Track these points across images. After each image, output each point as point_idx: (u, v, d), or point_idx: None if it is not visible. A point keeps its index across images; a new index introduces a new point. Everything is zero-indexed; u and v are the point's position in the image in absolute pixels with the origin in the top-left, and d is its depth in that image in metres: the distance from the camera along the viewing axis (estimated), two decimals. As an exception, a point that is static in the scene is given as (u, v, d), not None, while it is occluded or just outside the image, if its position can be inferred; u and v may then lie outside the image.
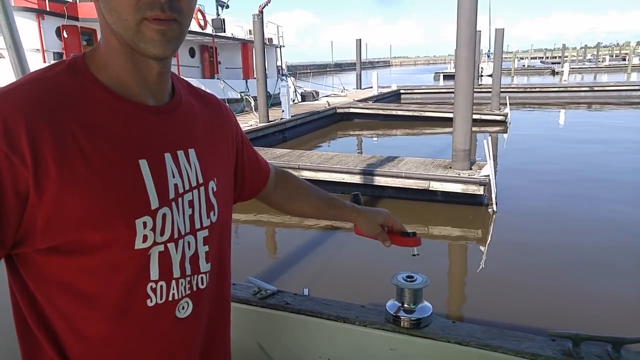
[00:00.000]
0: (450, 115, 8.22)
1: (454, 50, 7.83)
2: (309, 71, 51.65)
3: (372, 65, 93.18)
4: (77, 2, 13.02)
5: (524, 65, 56.04)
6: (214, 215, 0.84)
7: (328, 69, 73.02)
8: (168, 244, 0.74)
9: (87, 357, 0.73)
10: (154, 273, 0.73)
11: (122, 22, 0.69)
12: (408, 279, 1.19)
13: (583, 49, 77.85)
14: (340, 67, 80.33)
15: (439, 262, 5.50)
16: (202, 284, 0.81)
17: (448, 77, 35.86)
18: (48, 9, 12.05)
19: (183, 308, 0.78)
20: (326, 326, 1.22)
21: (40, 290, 0.71)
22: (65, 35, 12.53)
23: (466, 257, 5.86)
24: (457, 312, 4.37)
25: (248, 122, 12.40)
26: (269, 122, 12.29)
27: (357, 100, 17.80)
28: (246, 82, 16.84)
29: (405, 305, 1.18)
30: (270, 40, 19.30)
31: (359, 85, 24.99)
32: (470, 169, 6.96)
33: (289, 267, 5.27)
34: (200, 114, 0.87)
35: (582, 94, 21.89)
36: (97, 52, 0.75)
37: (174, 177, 0.76)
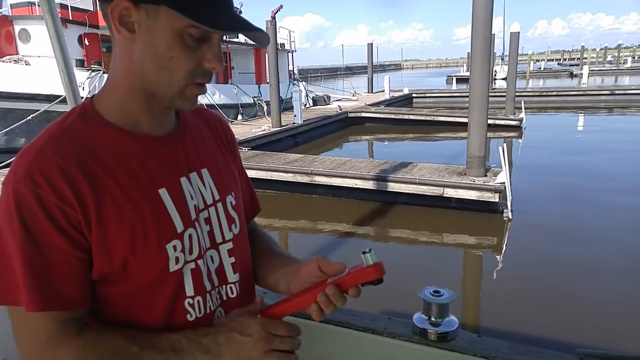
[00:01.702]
0: (464, 119, 8.16)
1: (466, 52, 7.76)
2: (320, 75, 51.75)
3: (384, 68, 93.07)
4: (98, 10, 13.21)
5: (540, 68, 55.34)
6: (236, 227, 0.89)
7: (339, 73, 73.06)
8: (198, 261, 0.80)
9: None
10: (190, 289, 0.79)
11: (170, 81, 0.73)
12: (435, 294, 1.21)
13: (603, 51, 75.38)
14: (351, 71, 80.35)
15: (452, 270, 5.44)
16: (232, 293, 0.88)
17: (461, 80, 35.64)
18: (71, 18, 12.27)
19: (218, 318, 0.84)
20: (354, 336, 1.25)
21: (96, 315, 0.77)
22: (87, 43, 12.74)
23: (481, 266, 5.78)
24: (473, 320, 4.30)
25: (261, 126, 12.43)
26: (281, 126, 12.31)
27: (369, 105, 17.75)
28: (259, 87, 16.89)
29: (432, 319, 1.20)
30: (283, 45, 19.36)
31: (370, 89, 24.93)
32: (485, 175, 6.88)
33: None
34: (206, 133, 0.91)
35: (603, 97, 21.26)
36: (107, 95, 0.79)
37: (192, 198, 0.81)
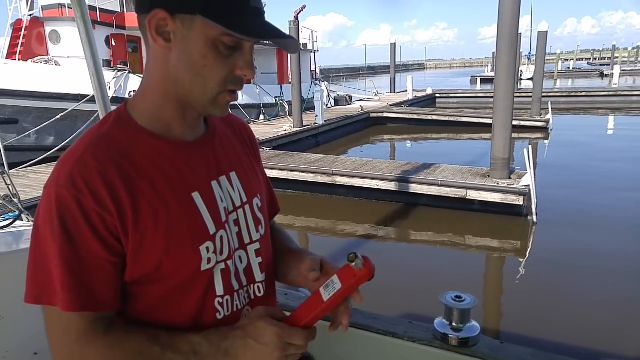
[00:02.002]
0: (488, 120, 8.03)
1: (491, 52, 7.64)
2: (342, 74, 51.68)
3: (407, 68, 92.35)
4: (125, 12, 13.51)
5: (568, 68, 53.94)
6: (262, 228, 0.92)
7: (361, 73, 72.81)
8: (227, 262, 0.83)
9: None
10: (219, 289, 0.82)
11: (204, 89, 0.76)
12: (457, 299, 1.20)
13: (635, 50, 73.26)
14: (374, 71, 79.98)
15: (475, 274, 5.36)
16: (260, 292, 0.90)
17: (485, 80, 35.08)
18: (99, 19, 12.57)
19: (245, 316, 0.85)
20: (375, 340, 1.25)
21: (126, 313, 0.80)
22: (114, 44, 13.02)
23: (504, 270, 5.68)
24: (495, 326, 4.23)
25: (282, 126, 12.48)
26: (302, 127, 12.34)
27: (391, 105, 17.64)
28: (281, 87, 16.97)
29: (454, 324, 1.19)
30: (305, 45, 19.40)
31: (393, 89, 24.78)
32: (510, 178, 6.75)
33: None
34: (233, 138, 0.95)
35: (635, 98, 20.53)
36: (140, 101, 0.81)
37: (222, 201, 0.84)
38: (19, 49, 11.98)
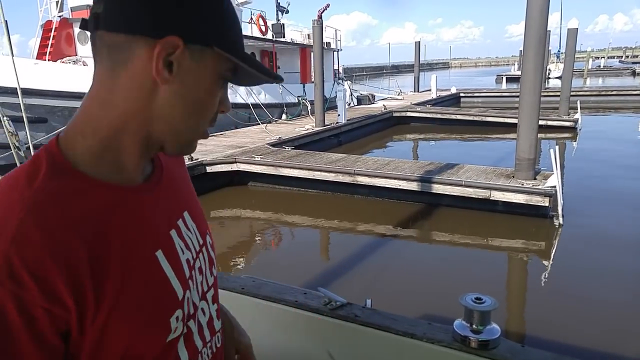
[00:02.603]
0: (514, 120, 7.85)
1: (518, 50, 7.46)
2: (365, 73, 51.46)
3: (431, 67, 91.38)
4: None
5: (599, 66, 52.41)
6: (214, 269, 0.81)
7: (384, 71, 72.37)
8: (188, 322, 0.70)
9: None
10: (184, 356, 0.69)
11: (197, 127, 0.65)
12: (477, 301, 1.18)
13: (670, 47, 70.71)
14: (397, 69, 79.40)
15: (497, 276, 5.25)
16: (219, 342, 0.80)
17: (511, 79, 34.38)
18: None
19: None
20: (394, 340, 1.25)
21: None
22: None
23: (527, 272, 5.55)
24: (516, 329, 4.12)
25: (304, 126, 12.50)
26: (324, 126, 12.32)
27: (415, 104, 17.46)
28: (303, 87, 16.99)
29: (474, 326, 1.17)
30: (328, 44, 19.38)
31: (416, 88, 24.54)
32: (535, 178, 6.59)
33: (343, 274, 5.22)
34: (175, 166, 0.79)
35: (669, 97, 19.69)
36: (83, 138, 0.62)
37: (183, 252, 0.70)
38: (48, 49, 12.30)
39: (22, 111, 3.12)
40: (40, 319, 0.52)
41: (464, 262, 5.59)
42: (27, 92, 8.89)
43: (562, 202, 6.23)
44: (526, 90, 6.73)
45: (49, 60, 11.96)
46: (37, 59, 11.94)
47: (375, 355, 1.29)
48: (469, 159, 8.60)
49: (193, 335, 0.71)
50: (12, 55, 3.60)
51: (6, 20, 3.37)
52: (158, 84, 0.60)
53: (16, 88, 3.26)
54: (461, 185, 6.71)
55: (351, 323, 1.30)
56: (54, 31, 12.46)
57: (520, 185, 6.39)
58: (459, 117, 15.63)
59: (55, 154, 0.60)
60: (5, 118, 3.51)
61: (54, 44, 12.38)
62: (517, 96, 7.35)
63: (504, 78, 36.06)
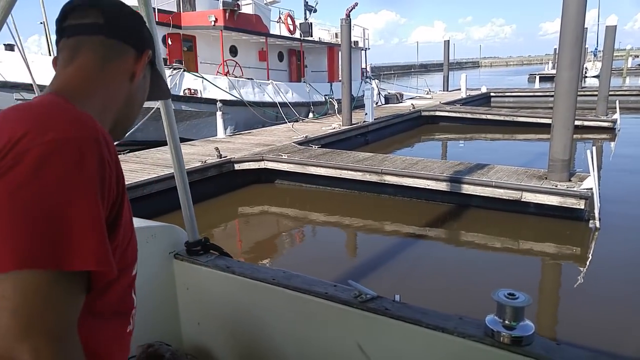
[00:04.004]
0: (547, 121, 7.63)
1: (553, 49, 7.23)
2: (393, 72, 51.01)
3: (460, 66, 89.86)
4: (181, 12, 13.96)
5: (639, 65, 50.45)
6: None
7: (413, 70, 71.59)
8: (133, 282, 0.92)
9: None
10: (131, 302, 0.88)
11: (135, 117, 0.94)
12: (510, 296, 1.16)
13: None
14: (426, 68, 78.42)
15: (528, 279, 5.09)
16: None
17: (545, 79, 33.47)
18: (157, 19, 13.08)
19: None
20: (424, 334, 1.24)
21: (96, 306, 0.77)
22: (170, 43, 13.47)
23: (561, 276, 5.37)
24: (547, 331, 3.98)
25: (331, 124, 12.47)
26: (351, 124, 12.26)
27: (444, 103, 17.19)
28: (331, 85, 16.96)
29: (506, 322, 1.15)
30: (356, 43, 19.29)
31: (445, 88, 24.18)
32: (569, 180, 6.37)
33: (370, 271, 5.16)
34: None
35: None
36: (88, 101, 0.81)
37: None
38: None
39: None
40: (113, 185, 0.70)
41: (493, 264, 5.45)
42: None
43: (598, 204, 6.00)
44: (561, 89, 6.52)
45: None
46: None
47: (405, 348, 1.28)
48: (500, 160, 8.39)
49: (133, 290, 0.89)
50: (51, 56, 3.79)
51: (45, 22, 3.48)
52: (132, 80, 0.88)
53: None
54: (491, 186, 6.55)
55: (381, 316, 1.30)
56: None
57: (553, 187, 6.19)
58: (489, 116, 15.30)
59: (71, 106, 0.75)
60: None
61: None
62: (551, 95, 7.14)
63: (537, 77, 35.11)
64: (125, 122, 0.90)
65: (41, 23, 10.80)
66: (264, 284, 1.50)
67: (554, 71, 9.02)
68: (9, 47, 9.89)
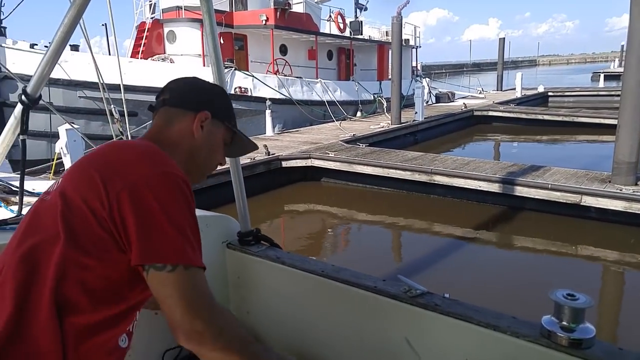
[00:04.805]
0: (611, 121, 7.18)
1: (620, 45, 6.79)
2: (444, 71, 49.93)
3: (515, 65, 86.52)
4: (234, 11, 14.27)
5: None
6: None
7: (465, 69, 69.74)
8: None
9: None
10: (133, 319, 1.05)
11: (207, 166, 1.19)
12: (569, 297, 1.09)
13: None
14: (479, 67, 76.15)
15: (588, 286, 4.81)
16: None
17: (610, 77, 31.57)
18: None
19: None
20: (476, 332, 1.20)
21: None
22: (222, 41, 13.80)
23: (624, 284, 5.05)
24: (610, 339, 3.72)
25: (379, 123, 12.35)
26: (400, 123, 12.09)
27: (497, 103, 16.61)
28: (380, 84, 16.81)
29: (564, 323, 1.08)
30: (407, 41, 19.01)
31: (499, 87, 23.38)
32: (636, 184, 5.97)
33: (418, 271, 5.06)
34: None
35: None
36: (175, 154, 1.10)
37: None
38: (141, 48, 13.24)
39: (124, 106, 3.39)
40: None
41: (548, 268, 5.19)
42: (119, 88, 9.61)
43: (668, 211, 5.58)
44: (629, 87, 6.11)
45: (140, 58, 12.84)
46: (131, 57, 12.87)
47: (455, 345, 1.25)
48: (557, 162, 7.99)
49: (136, 313, 1.06)
50: (118, 56, 4.17)
51: (111, 22, 3.65)
52: (194, 135, 1.12)
53: (118, 84, 3.56)
54: (547, 189, 6.25)
55: (431, 312, 1.27)
56: (147, 31, 13.37)
57: (618, 191, 5.82)
58: (546, 117, 14.62)
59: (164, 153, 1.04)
60: (114, 108, 3.84)
61: (146, 43, 13.30)
62: (617, 95, 6.71)
63: (602, 75, 33.12)
64: (195, 170, 1.14)
65: (103, 25, 11.40)
66: (313, 275, 1.50)
67: (620, 69, 8.48)
68: (74, 48, 10.52)
